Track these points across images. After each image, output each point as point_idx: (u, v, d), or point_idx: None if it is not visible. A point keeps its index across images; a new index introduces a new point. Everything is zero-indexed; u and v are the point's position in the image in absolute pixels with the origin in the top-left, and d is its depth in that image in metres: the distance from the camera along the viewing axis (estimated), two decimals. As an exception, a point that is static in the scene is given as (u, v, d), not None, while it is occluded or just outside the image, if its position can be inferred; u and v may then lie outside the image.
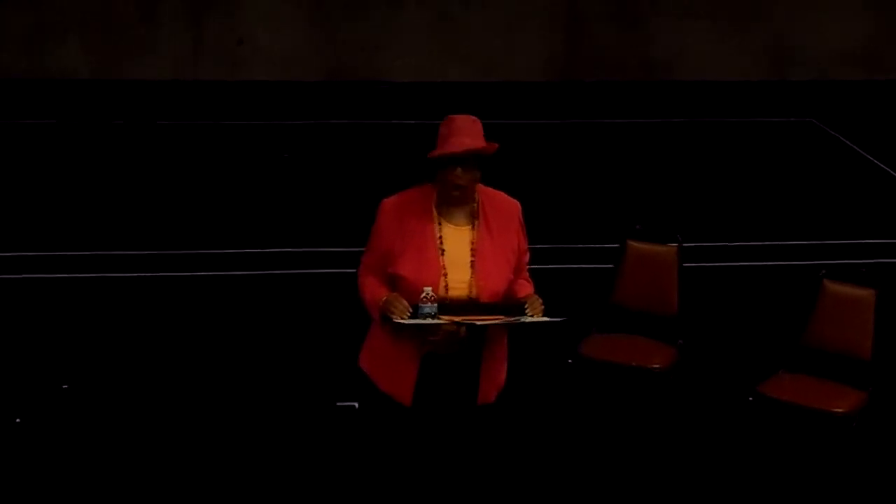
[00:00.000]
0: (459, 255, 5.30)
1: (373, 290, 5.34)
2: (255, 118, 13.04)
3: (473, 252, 5.31)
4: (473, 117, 5.32)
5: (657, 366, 7.05)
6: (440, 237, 5.31)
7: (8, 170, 11.35)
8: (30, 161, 11.61)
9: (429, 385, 5.34)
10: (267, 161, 11.80)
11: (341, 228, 9.99)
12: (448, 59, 14.50)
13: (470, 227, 5.34)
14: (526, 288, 5.42)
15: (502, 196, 5.46)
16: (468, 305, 5.27)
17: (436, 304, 5.18)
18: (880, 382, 6.91)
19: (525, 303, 5.31)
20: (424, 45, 14.52)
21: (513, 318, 5.29)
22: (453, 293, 5.28)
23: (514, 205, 5.46)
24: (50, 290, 8.99)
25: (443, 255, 5.29)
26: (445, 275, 5.27)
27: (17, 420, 7.20)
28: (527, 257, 5.51)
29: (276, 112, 13.24)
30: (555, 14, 14.68)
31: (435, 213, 5.33)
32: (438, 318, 5.17)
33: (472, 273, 5.29)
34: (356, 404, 7.28)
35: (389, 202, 5.37)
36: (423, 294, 5.18)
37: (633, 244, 7.32)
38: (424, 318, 5.17)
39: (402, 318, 5.17)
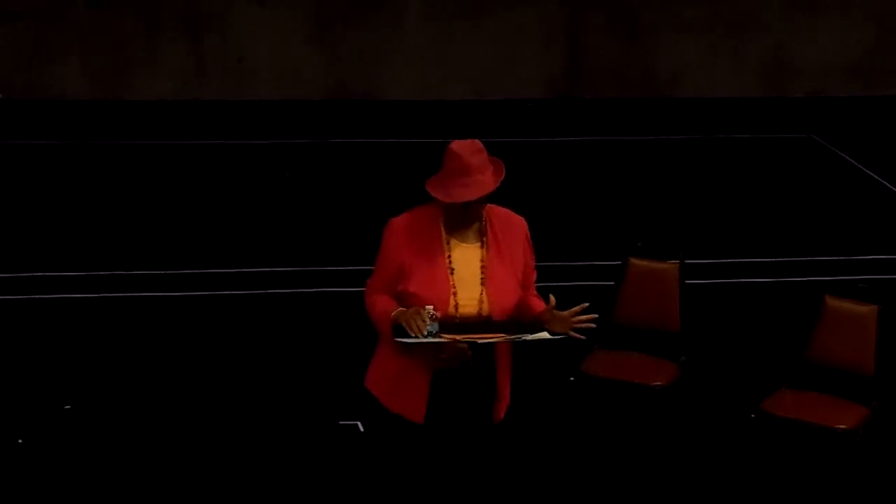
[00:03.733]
0: (469, 274, 5.30)
1: (384, 304, 5.31)
2: (256, 137, 13.04)
3: (483, 270, 5.31)
4: (477, 145, 5.25)
5: (659, 383, 7.05)
6: (449, 256, 5.31)
7: (7, 190, 11.35)
8: (29, 181, 11.61)
9: (441, 402, 5.33)
10: (269, 180, 11.80)
11: (344, 247, 9.98)
12: (448, 76, 14.51)
13: (479, 244, 5.34)
14: (540, 304, 5.41)
15: (508, 213, 5.47)
16: (470, 324, 5.27)
17: (437, 323, 5.18)
18: (883, 398, 6.90)
19: (540, 320, 5.29)
20: (425, 62, 14.53)
21: (514, 336, 5.30)
22: (463, 311, 5.28)
23: (521, 222, 5.47)
24: (51, 310, 8.98)
25: (452, 273, 5.29)
26: (455, 293, 5.27)
27: (20, 441, 7.19)
28: (534, 275, 5.51)
29: (278, 130, 13.25)
30: (554, 31, 14.69)
31: (443, 231, 5.33)
32: (440, 337, 5.18)
33: (483, 291, 5.29)
34: (359, 423, 7.29)
35: (397, 221, 5.36)
36: (425, 312, 5.18)
37: (635, 261, 7.32)
38: (426, 337, 5.17)
39: (403, 337, 5.17)
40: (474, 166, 5.20)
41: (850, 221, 11.08)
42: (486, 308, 5.29)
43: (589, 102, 14.59)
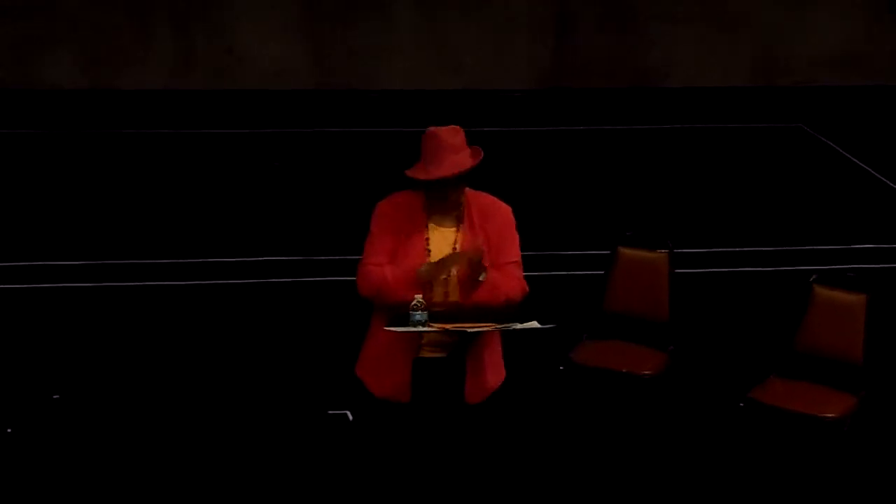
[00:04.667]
0: (442, 255, 5.37)
1: (398, 271, 5.35)
2: (245, 127, 13.03)
3: (454, 251, 5.39)
4: (455, 128, 5.41)
5: (648, 372, 7.06)
6: (427, 239, 5.41)
7: (-2, 180, 11.35)
8: (21, 172, 11.59)
9: (420, 388, 5.41)
10: (258, 170, 11.79)
11: (332, 237, 9.98)
12: (438, 67, 14.51)
13: (455, 229, 5.43)
14: (500, 280, 5.43)
15: (493, 200, 5.53)
16: (459, 312, 5.29)
17: (426, 312, 5.21)
18: (871, 387, 6.92)
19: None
20: (414, 53, 14.52)
21: (503, 325, 5.31)
22: (437, 297, 5.35)
23: (506, 209, 5.53)
24: (39, 299, 8.97)
25: (428, 255, 5.38)
26: None
27: (8, 430, 7.19)
28: (514, 259, 5.51)
29: (267, 121, 13.24)
30: (544, 22, 14.69)
31: (424, 216, 5.42)
32: (430, 326, 5.21)
33: (451, 273, 5.36)
34: (348, 413, 7.29)
35: (384, 204, 5.49)
36: (414, 302, 5.21)
37: (624, 251, 7.32)
38: (416, 326, 5.20)
39: (395, 327, 5.21)
40: (451, 146, 5.32)
41: (838, 211, 11.09)
42: (453, 290, 5.36)
43: (578, 93, 14.59)
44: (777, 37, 14.95)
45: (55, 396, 7.59)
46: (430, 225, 5.44)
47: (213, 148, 12.40)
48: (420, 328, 5.21)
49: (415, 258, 5.37)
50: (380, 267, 5.41)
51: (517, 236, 5.52)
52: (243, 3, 14.21)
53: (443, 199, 5.37)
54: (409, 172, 5.37)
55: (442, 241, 5.42)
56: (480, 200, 5.49)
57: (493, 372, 5.52)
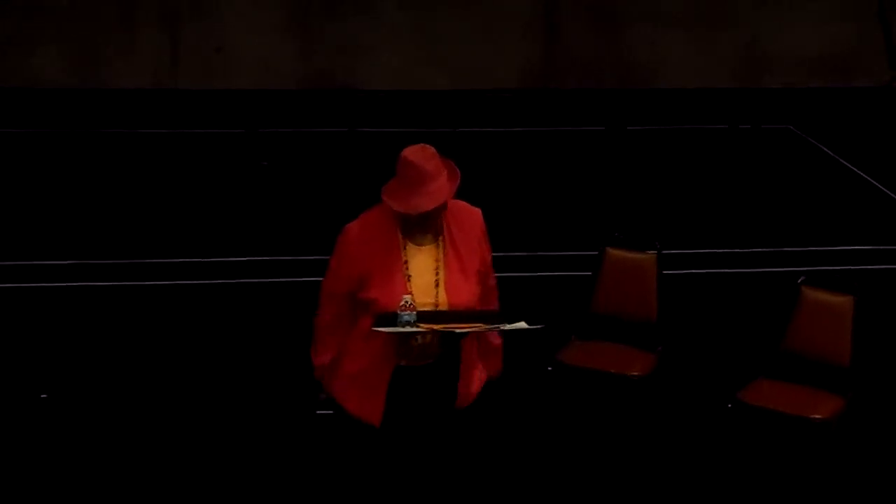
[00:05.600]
0: (425, 278, 5.27)
1: (324, 354, 5.44)
2: (233, 126, 13.01)
3: (437, 271, 5.28)
4: (428, 151, 5.21)
5: (636, 373, 7.06)
6: (406, 262, 5.27)
7: (-15, 179, 11.32)
8: (8, 171, 11.56)
9: (400, 398, 5.33)
10: (246, 169, 11.77)
11: (320, 236, 9.95)
12: (426, 66, 14.50)
13: (434, 245, 5.31)
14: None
15: (463, 206, 5.40)
16: (447, 314, 5.28)
17: (415, 313, 5.19)
18: (859, 388, 6.92)
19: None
20: (402, 52, 14.51)
21: (491, 326, 5.31)
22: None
23: (476, 213, 5.42)
24: (28, 299, 8.95)
25: (409, 280, 5.25)
26: (413, 299, 5.23)
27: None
28: (493, 278, 5.49)
29: (255, 120, 13.22)
30: (532, 23, 14.69)
31: (399, 234, 5.29)
32: (418, 326, 5.18)
33: (438, 293, 5.26)
34: (332, 412, 7.28)
35: (353, 227, 5.32)
36: (402, 302, 5.19)
37: (612, 251, 7.32)
38: (404, 326, 5.18)
39: (383, 327, 5.18)
40: (429, 173, 5.15)
41: (826, 212, 11.10)
42: (443, 309, 5.27)
43: (566, 93, 14.59)
44: (765, 38, 14.96)
45: (43, 396, 7.57)
46: (409, 245, 5.28)
47: (201, 147, 12.38)
48: (408, 328, 5.18)
49: (395, 282, 5.22)
50: (329, 302, 5.42)
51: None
52: (231, 1, 14.19)
53: (421, 224, 5.22)
54: (387, 199, 5.17)
55: (422, 261, 5.27)
56: (453, 207, 5.33)
57: (476, 375, 5.50)
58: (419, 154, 5.19)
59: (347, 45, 14.41)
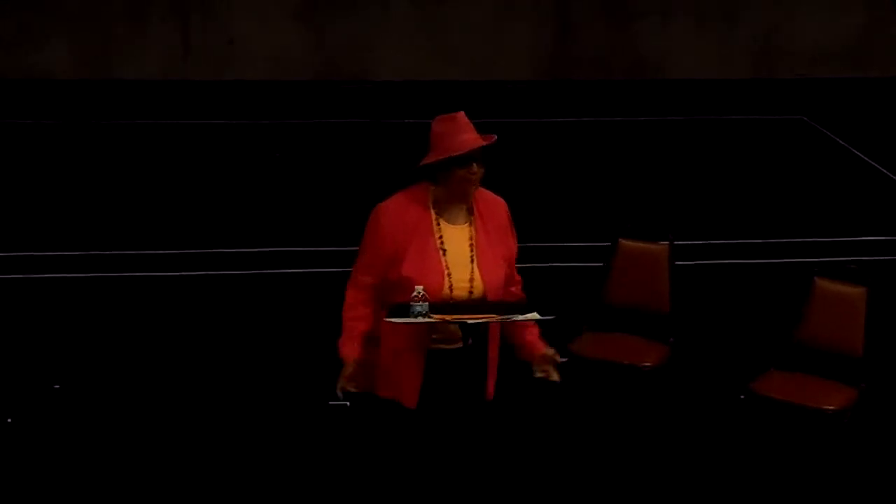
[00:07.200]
0: (460, 254, 5.29)
1: (352, 336, 5.44)
2: (245, 118, 13.02)
3: (472, 248, 5.30)
4: (462, 113, 5.30)
5: (649, 364, 7.05)
6: (440, 237, 5.29)
7: (-3, 170, 11.34)
8: (17, 161, 11.58)
9: (434, 382, 5.34)
10: (258, 160, 11.78)
11: (333, 228, 9.97)
12: (437, 57, 14.50)
13: (467, 224, 5.33)
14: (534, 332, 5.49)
15: (490, 194, 5.46)
16: (460, 304, 5.27)
17: (427, 303, 5.18)
18: (872, 379, 6.91)
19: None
20: (413, 44, 14.51)
21: (504, 316, 5.30)
22: (457, 292, 5.27)
23: (502, 203, 5.47)
24: (40, 289, 8.97)
25: (444, 255, 5.27)
26: (449, 274, 5.26)
27: (9, 420, 7.18)
28: (517, 274, 5.52)
29: (267, 111, 13.22)
30: (543, 13, 14.68)
31: (433, 213, 5.31)
32: (430, 317, 5.18)
33: (473, 269, 5.28)
34: (348, 403, 7.28)
35: (386, 206, 5.32)
36: (414, 293, 5.18)
37: (625, 242, 7.31)
38: (416, 317, 5.17)
39: (395, 318, 5.17)
40: (468, 125, 5.23)
41: (840, 203, 11.08)
42: (477, 286, 5.28)
43: (577, 84, 14.58)
44: (778, 28, 14.95)
45: (56, 386, 7.59)
46: (442, 222, 5.30)
47: (213, 139, 12.39)
48: (420, 319, 5.18)
49: (431, 259, 5.24)
50: (358, 292, 5.40)
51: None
52: (243, -7, 14.22)
53: (466, 182, 5.21)
54: (436, 157, 5.20)
55: (456, 238, 5.29)
56: (481, 194, 5.39)
57: (495, 365, 5.51)
58: (453, 114, 5.27)
59: (358, 36, 14.41)
